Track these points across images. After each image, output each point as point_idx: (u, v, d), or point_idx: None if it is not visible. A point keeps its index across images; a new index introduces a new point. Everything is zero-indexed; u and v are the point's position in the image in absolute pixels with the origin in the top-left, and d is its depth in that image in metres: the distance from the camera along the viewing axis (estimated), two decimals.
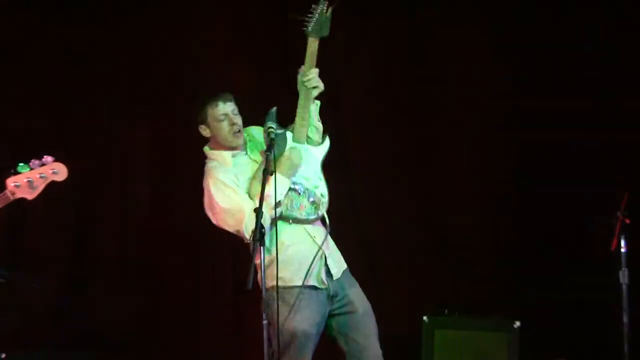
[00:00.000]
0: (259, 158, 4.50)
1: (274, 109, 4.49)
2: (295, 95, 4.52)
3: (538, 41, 5.97)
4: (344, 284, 4.48)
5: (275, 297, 4.28)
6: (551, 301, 5.88)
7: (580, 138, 5.84)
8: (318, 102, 4.57)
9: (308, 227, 4.45)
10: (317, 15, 4.38)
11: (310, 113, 4.49)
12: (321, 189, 4.50)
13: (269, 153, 4.25)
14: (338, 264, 4.50)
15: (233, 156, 4.53)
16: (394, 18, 6.21)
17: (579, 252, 5.78)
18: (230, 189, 4.38)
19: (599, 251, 5.24)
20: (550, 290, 5.88)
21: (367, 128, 6.26)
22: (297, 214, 4.43)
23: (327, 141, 4.60)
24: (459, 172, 6.18)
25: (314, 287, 4.40)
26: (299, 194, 4.45)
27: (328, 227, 4.47)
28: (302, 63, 4.45)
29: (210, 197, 4.39)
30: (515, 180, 6.06)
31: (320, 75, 4.46)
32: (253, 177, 4.40)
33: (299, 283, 4.37)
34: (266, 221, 4.20)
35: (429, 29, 6.21)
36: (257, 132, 4.64)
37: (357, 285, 4.52)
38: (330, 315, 4.44)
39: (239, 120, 4.53)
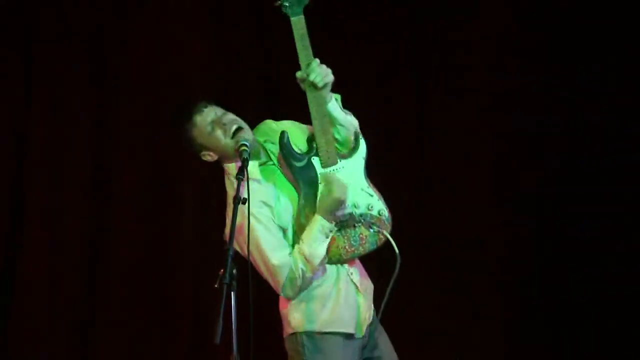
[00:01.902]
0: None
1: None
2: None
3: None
4: (372, 328, 3.84)
5: (303, 342, 3.64)
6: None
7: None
8: (337, 96, 3.71)
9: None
10: None
11: (331, 116, 3.64)
12: (376, 206, 3.72)
13: (240, 177, 3.41)
14: (371, 305, 3.83)
15: (260, 165, 3.69)
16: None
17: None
18: (262, 225, 3.57)
19: None
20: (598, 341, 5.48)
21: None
22: (361, 249, 3.68)
23: (363, 142, 3.73)
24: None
25: (351, 335, 3.73)
26: (354, 226, 3.68)
27: (398, 256, 3.65)
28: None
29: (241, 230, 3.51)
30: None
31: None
32: (301, 210, 3.62)
33: (338, 329, 3.69)
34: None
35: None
36: (275, 128, 3.79)
37: (384, 330, 3.87)
38: None
39: (229, 116, 3.66)
